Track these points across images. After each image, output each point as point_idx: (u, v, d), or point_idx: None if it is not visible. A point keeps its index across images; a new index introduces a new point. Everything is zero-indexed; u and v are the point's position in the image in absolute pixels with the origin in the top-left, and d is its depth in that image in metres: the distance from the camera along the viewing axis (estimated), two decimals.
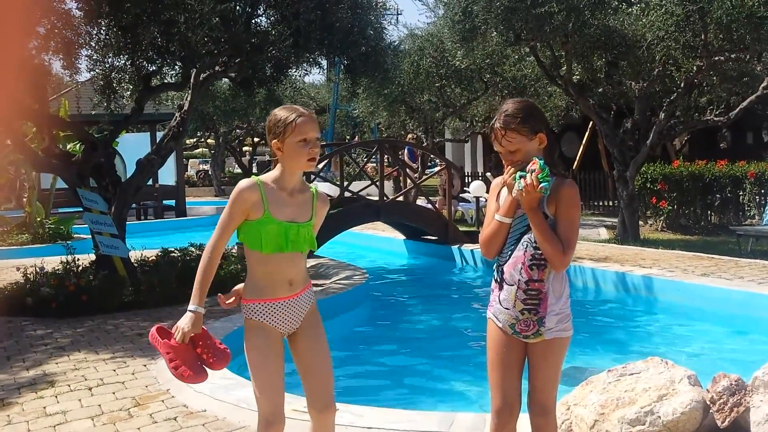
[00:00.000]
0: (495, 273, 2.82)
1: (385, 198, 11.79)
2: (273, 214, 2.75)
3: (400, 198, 12.64)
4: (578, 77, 12.53)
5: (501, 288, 2.77)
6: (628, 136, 12.03)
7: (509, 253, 2.76)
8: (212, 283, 2.85)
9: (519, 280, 2.72)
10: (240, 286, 2.94)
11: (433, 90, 15.79)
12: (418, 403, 5.19)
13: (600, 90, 12.64)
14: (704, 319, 7.67)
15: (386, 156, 13.74)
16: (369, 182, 13.66)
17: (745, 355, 6.17)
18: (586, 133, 19.45)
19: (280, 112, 2.82)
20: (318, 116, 32.94)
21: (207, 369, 2.87)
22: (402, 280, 11.17)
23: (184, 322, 2.78)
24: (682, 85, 11.18)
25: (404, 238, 12.65)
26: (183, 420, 4.35)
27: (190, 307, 2.79)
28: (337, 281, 8.69)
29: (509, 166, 2.75)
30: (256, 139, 33.51)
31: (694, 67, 10.68)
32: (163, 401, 4.71)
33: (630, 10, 10.41)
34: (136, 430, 4.24)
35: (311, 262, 10.20)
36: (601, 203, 18.18)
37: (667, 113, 11.59)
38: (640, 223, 13.03)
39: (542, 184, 2.61)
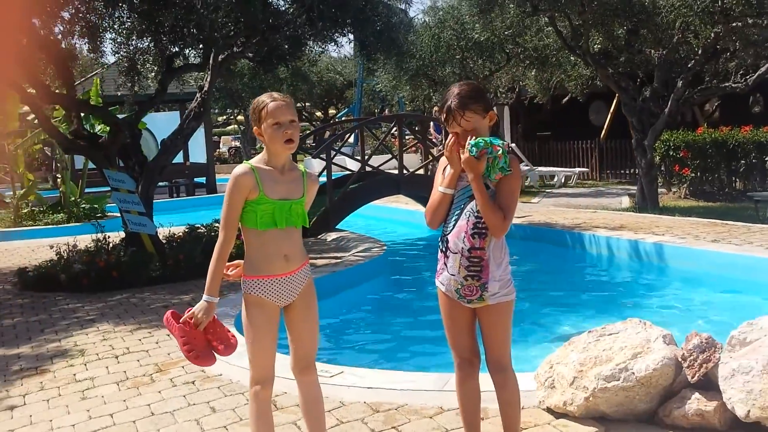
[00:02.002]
0: (440, 243, 3.04)
1: (404, 171, 12.00)
2: (267, 193, 2.97)
3: (420, 171, 12.81)
4: (599, 46, 12.53)
5: (446, 257, 2.99)
6: (648, 105, 12.02)
7: (453, 223, 2.97)
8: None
9: (462, 248, 2.92)
10: (240, 261, 3.18)
11: (455, 62, 15.85)
12: (420, 367, 5.44)
13: (622, 59, 12.61)
14: (710, 284, 7.80)
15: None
16: (390, 156, 13.86)
17: (748, 318, 6.29)
18: (614, 102, 19.33)
19: (256, 100, 3.05)
20: (346, 90, 33.12)
21: (215, 354, 3.14)
22: (420, 251, 11.40)
23: (200, 311, 3.02)
24: (700, 52, 11.11)
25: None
26: (200, 384, 4.66)
27: (205, 296, 3.02)
28: (356, 253, 8.96)
29: (452, 139, 2.94)
30: None
31: (712, 34, 10.61)
32: (183, 367, 5.03)
33: None
34: (157, 393, 4.56)
35: (333, 235, 10.49)
36: (628, 171, 18.15)
37: (685, 80, 11.55)
38: (664, 190, 13.04)
39: (506, 171, 2.87)
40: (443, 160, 3.09)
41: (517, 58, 15.34)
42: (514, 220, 10.24)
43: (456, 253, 2.94)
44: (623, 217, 11.14)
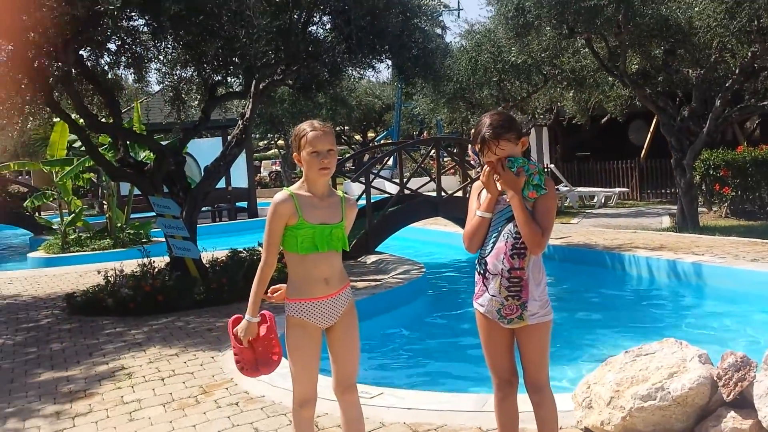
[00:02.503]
0: (478, 266, 3.12)
1: (443, 193, 12.08)
2: (307, 218, 3.08)
3: (459, 193, 12.87)
4: (637, 66, 12.51)
5: (485, 278, 3.07)
6: (687, 124, 11.94)
7: (491, 245, 3.06)
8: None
9: (502, 269, 3.01)
10: (283, 285, 3.29)
11: (492, 85, 15.94)
12: (459, 388, 5.48)
13: (660, 78, 12.56)
14: (749, 303, 7.73)
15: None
16: (429, 179, 13.95)
17: None
18: (653, 121, 19.18)
19: (297, 128, 3.18)
20: (385, 113, 33.40)
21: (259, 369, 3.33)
22: (458, 273, 11.43)
23: (242, 330, 3.21)
24: (737, 71, 11.03)
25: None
26: (244, 405, 4.77)
27: (246, 316, 3.20)
28: (395, 275, 9.04)
29: (488, 168, 3.03)
30: None
31: (749, 53, 10.54)
32: (227, 389, 5.15)
33: None
34: (202, 414, 4.68)
35: (372, 257, 10.59)
36: (669, 191, 17.95)
37: (724, 99, 11.45)
38: (704, 210, 12.88)
39: (541, 189, 2.99)
40: (477, 186, 3.18)
41: (555, 80, 15.36)
42: (553, 241, 10.30)
43: (496, 274, 3.03)
44: (663, 238, 11.03)
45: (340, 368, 3.21)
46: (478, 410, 4.15)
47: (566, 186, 17.84)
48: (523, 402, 3.22)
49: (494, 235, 3.06)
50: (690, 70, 11.83)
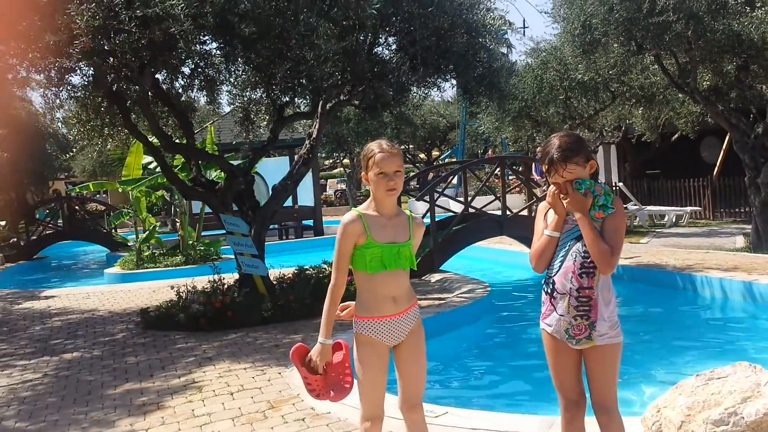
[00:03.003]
0: (545, 286, 3.11)
1: (508, 212, 12.01)
2: (375, 238, 3.13)
3: (524, 212, 12.77)
4: (708, 83, 12.22)
5: (553, 297, 3.05)
6: (762, 141, 11.57)
7: (559, 265, 3.05)
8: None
9: (570, 288, 3.00)
10: (351, 302, 3.35)
11: (558, 103, 15.78)
12: (524, 409, 5.42)
13: (732, 95, 12.23)
14: None
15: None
16: (493, 197, 13.89)
17: None
18: (726, 138, 18.64)
19: (366, 148, 3.24)
20: (449, 132, 33.41)
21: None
22: (525, 293, 11.31)
23: (316, 354, 3.20)
24: None
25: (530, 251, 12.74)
26: (310, 420, 4.84)
27: (319, 339, 3.21)
28: (460, 294, 9.02)
29: (553, 189, 3.03)
30: None
31: None
32: (293, 404, 5.23)
33: (754, 13, 10.08)
34: (269, 429, 4.77)
35: (437, 276, 10.59)
36: (742, 210, 17.38)
37: None
38: None
39: (607, 209, 3.00)
40: (543, 205, 3.19)
41: (623, 97, 15.11)
42: (622, 261, 10.09)
43: (564, 293, 3.02)
44: (737, 258, 10.69)
45: (407, 386, 3.24)
46: None
47: (635, 205, 17.47)
48: (591, 424, 3.18)
49: (562, 254, 3.06)
50: (764, 86, 11.47)
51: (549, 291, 3.09)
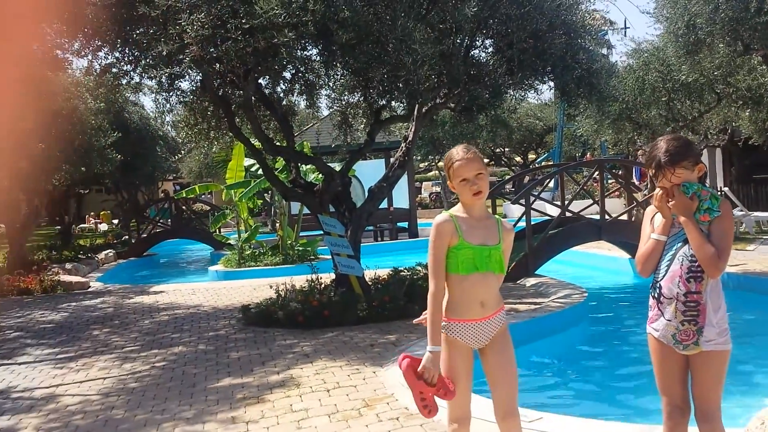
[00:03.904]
0: (652, 290, 3.04)
1: (607, 217, 11.73)
2: (467, 239, 3.16)
3: (624, 216, 12.43)
4: None
5: (660, 302, 2.99)
6: None
7: (666, 269, 2.99)
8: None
9: (677, 293, 2.94)
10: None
11: (660, 105, 15.28)
12: (622, 416, 5.30)
13: None
14: None
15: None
16: (592, 201, 13.59)
17: None
18: None
19: (446, 156, 3.29)
20: (546, 135, 32.87)
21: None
22: (623, 299, 11.02)
23: (430, 364, 3.12)
24: None
25: (629, 257, 12.43)
26: (404, 420, 4.90)
27: (429, 347, 3.18)
28: (556, 299, 8.88)
29: (661, 193, 2.97)
30: (486, 161, 34.19)
31: None
32: (388, 403, 5.31)
33: None
34: (364, 426, 4.86)
35: (532, 280, 10.47)
36: None
37: None
38: None
39: (713, 212, 2.93)
40: (650, 209, 3.15)
41: (729, 99, 14.48)
42: (728, 269, 9.63)
43: (671, 298, 2.98)
44: None
45: (498, 393, 3.24)
46: None
47: (742, 210, 16.67)
48: None
49: (669, 257, 3.01)
50: None
51: (656, 296, 3.04)
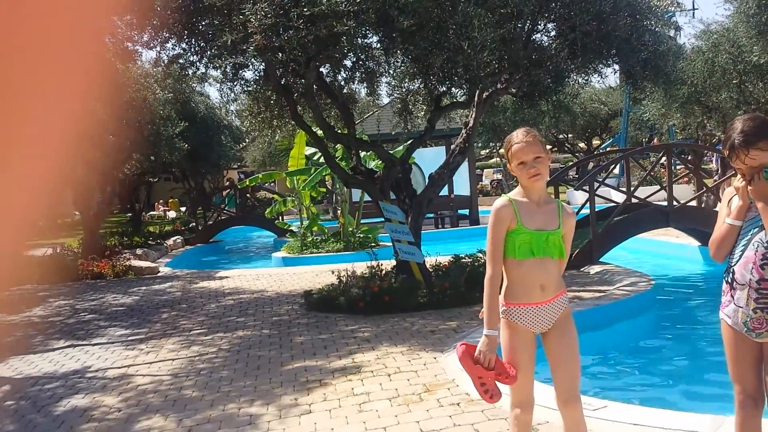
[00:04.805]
0: (726, 275, 2.96)
1: (675, 203, 11.44)
2: (525, 224, 3.13)
3: (693, 203, 12.09)
4: None
5: (732, 288, 2.91)
6: None
7: (740, 254, 2.90)
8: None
9: (750, 279, 2.85)
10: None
11: (731, 87, 14.78)
12: (690, 407, 5.19)
13: None
14: None
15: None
16: (659, 187, 13.27)
17: None
18: None
19: (506, 139, 3.26)
20: (611, 120, 32.15)
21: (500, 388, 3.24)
22: (692, 288, 10.74)
23: (485, 348, 3.13)
24: None
25: (699, 244, 12.10)
26: (465, 406, 4.92)
27: (485, 331, 3.18)
28: (621, 287, 8.73)
29: (743, 176, 2.88)
30: (548, 146, 33.67)
31: None
32: (448, 389, 5.33)
33: None
34: (425, 411, 4.90)
35: (596, 268, 10.31)
36: None
37: None
38: None
39: None
40: (729, 192, 3.06)
41: None
42: None
43: (744, 284, 2.89)
44: None
45: (560, 378, 3.21)
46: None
47: None
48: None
49: (743, 243, 2.92)
50: None
51: (729, 281, 2.97)
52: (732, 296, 2.95)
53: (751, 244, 2.89)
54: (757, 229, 2.89)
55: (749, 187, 2.86)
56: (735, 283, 2.92)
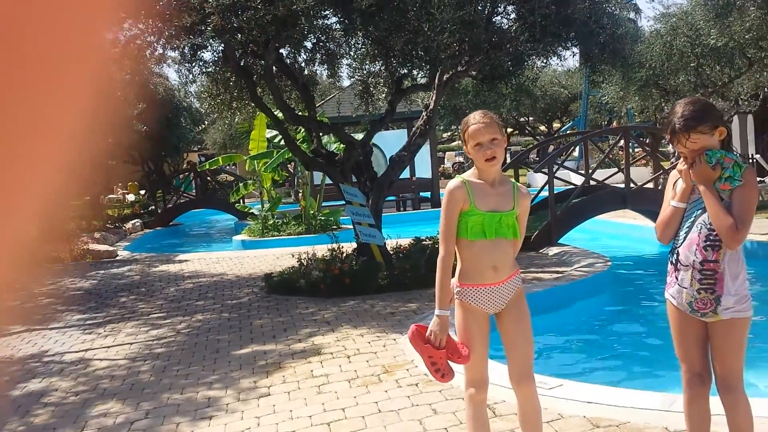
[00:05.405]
0: (670, 256, 3.01)
1: (632, 185, 11.61)
2: (477, 205, 3.13)
3: (650, 185, 12.29)
4: None
5: (677, 269, 2.96)
6: None
7: (684, 236, 2.94)
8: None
9: (694, 260, 2.89)
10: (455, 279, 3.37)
11: (689, 70, 15.01)
12: (644, 386, 5.29)
13: None
14: None
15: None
16: (616, 170, 13.45)
17: None
18: None
19: (463, 121, 3.24)
20: (571, 103, 32.48)
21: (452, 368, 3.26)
22: (648, 268, 10.93)
23: (436, 328, 3.14)
24: None
25: (655, 226, 12.29)
26: (423, 386, 4.95)
27: (436, 311, 3.18)
28: (579, 268, 8.85)
29: (685, 159, 2.92)
30: (509, 130, 33.91)
31: None
32: (407, 370, 5.36)
33: None
34: (384, 392, 4.92)
35: (555, 249, 10.43)
36: None
37: None
38: None
39: (735, 181, 2.84)
40: (673, 174, 3.09)
41: (761, 63, 14.16)
42: (756, 237, 9.54)
43: (687, 266, 2.93)
44: None
45: (513, 357, 3.23)
46: (665, 409, 3.99)
47: None
48: (716, 405, 3.06)
49: (688, 225, 2.96)
50: None
51: (674, 262, 3.00)
52: (676, 277, 2.98)
53: (695, 226, 2.92)
54: (700, 211, 2.92)
55: (691, 171, 2.90)
56: (679, 264, 2.96)
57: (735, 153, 2.88)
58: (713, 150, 2.87)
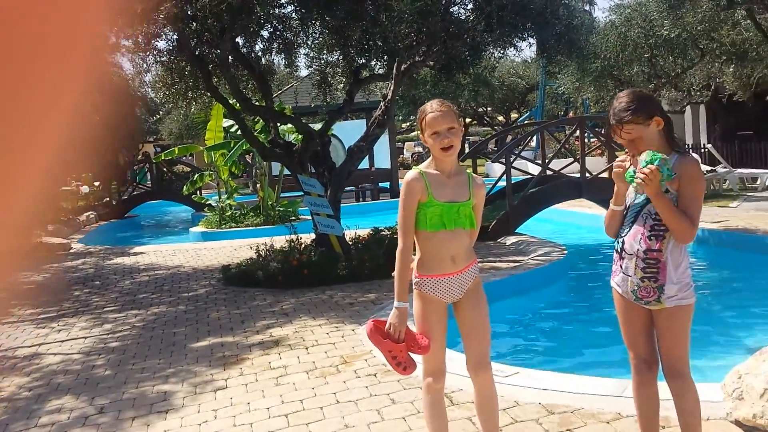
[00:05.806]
0: (616, 244, 3.05)
1: (587, 175, 11.77)
2: (436, 196, 3.13)
3: (605, 174, 12.46)
4: None
5: (621, 257, 3.00)
6: None
7: (630, 225, 2.98)
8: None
9: (638, 249, 2.93)
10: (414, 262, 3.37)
11: (643, 61, 15.25)
12: (598, 372, 5.37)
13: None
14: None
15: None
16: (572, 159, 13.62)
17: None
18: None
19: (420, 109, 3.23)
20: (528, 94, 32.76)
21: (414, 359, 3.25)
22: (603, 257, 11.10)
23: (395, 320, 3.13)
24: None
25: None
26: (381, 376, 4.96)
27: (396, 303, 3.18)
28: (536, 257, 8.95)
29: (628, 156, 2.95)
30: (467, 120, 34.06)
31: None
32: (366, 360, 5.36)
33: None
34: (342, 382, 4.91)
35: (512, 239, 10.52)
36: None
37: None
38: None
39: (670, 177, 2.81)
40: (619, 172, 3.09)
41: (713, 54, 14.46)
42: (708, 225, 9.77)
43: (632, 254, 2.96)
44: None
45: (471, 345, 3.25)
46: (618, 395, 4.08)
47: (725, 167, 16.79)
48: (665, 390, 3.12)
49: (634, 214, 2.99)
50: None
51: (619, 250, 3.04)
52: (621, 266, 3.02)
53: (640, 216, 2.96)
54: (645, 200, 2.95)
55: (636, 178, 2.88)
56: (624, 252, 2.99)
57: (658, 154, 2.84)
58: (655, 155, 2.81)
